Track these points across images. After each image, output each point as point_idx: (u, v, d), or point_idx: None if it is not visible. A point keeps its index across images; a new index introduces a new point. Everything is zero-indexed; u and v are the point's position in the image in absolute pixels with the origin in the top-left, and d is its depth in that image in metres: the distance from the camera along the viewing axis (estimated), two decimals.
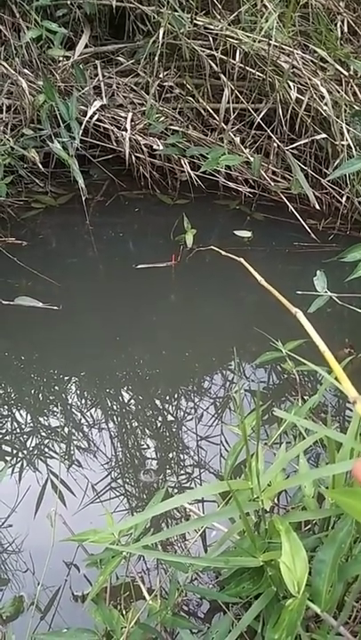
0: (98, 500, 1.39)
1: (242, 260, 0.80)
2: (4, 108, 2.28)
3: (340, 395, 1.64)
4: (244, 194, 2.33)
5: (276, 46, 2.06)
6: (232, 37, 2.07)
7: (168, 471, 1.45)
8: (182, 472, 1.46)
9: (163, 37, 2.13)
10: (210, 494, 0.87)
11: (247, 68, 2.17)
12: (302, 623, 0.66)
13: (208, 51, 2.17)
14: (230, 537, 0.83)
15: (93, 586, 1.00)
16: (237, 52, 2.10)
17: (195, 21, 2.15)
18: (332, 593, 0.65)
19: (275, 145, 2.26)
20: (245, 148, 2.27)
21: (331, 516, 0.88)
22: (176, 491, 1.41)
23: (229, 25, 2.15)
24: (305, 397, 1.52)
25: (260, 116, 2.18)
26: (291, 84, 2.05)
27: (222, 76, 2.18)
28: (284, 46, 2.10)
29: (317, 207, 2.20)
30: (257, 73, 2.16)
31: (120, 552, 0.95)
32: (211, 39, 2.14)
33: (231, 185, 2.31)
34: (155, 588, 1.04)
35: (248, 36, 2.07)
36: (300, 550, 0.64)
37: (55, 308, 1.80)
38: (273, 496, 0.85)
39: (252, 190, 2.33)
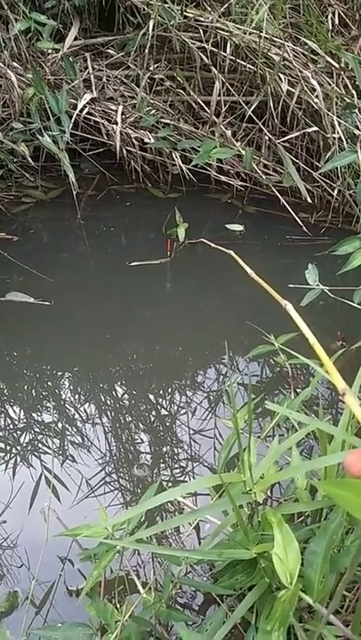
0: (92, 495, 1.39)
1: (232, 252, 0.80)
2: None
3: (332, 387, 1.65)
4: (236, 187, 2.32)
5: (267, 38, 2.05)
6: (223, 29, 2.06)
7: (162, 465, 1.46)
8: (176, 466, 1.47)
9: (153, 29, 2.11)
10: (203, 487, 0.88)
11: (238, 60, 2.16)
12: (295, 614, 0.66)
13: (199, 43, 2.16)
14: (223, 530, 0.83)
15: (88, 580, 1.00)
16: (228, 44, 2.09)
17: (185, 13, 2.14)
18: (324, 584, 0.65)
19: (266, 138, 2.25)
20: (237, 141, 2.27)
21: (323, 508, 0.89)
22: (170, 484, 1.41)
23: (220, 17, 2.14)
24: (297, 390, 1.53)
25: (252, 109, 2.18)
26: (282, 76, 2.04)
27: (213, 68, 2.17)
28: (274, 38, 2.09)
29: (309, 200, 2.20)
30: (248, 65, 2.15)
31: (114, 546, 0.95)
32: (201, 31, 2.13)
33: (223, 178, 2.30)
34: (149, 582, 1.05)
35: (239, 28, 2.06)
36: (292, 542, 0.64)
37: (47, 303, 1.80)
38: (266, 488, 0.86)
39: (244, 184, 2.32)
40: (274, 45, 2.13)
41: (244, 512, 0.81)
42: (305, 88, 2.04)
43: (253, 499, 0.77)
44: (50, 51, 2.24)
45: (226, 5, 2.13)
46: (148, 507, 0.73)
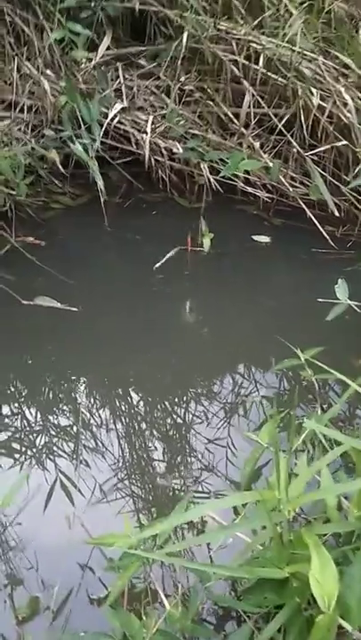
0: (113, 502, 1.39)
1: None
2: (26, 108, 2.29)
3: (357, 404, 1.64)
4: (263, 199, 2.32)
5: (299, 52, 2.05)
6: (255, 42, 2.07)
7: (186, 476, 1.45)
8: (191, 476, 1.46)
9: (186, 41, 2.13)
10: (238, 504, 0.87)
11: (269, 73, 2.17)
12: None
13: (230, 55, 2.17)
14: (254, 547, 0.83)
15: (111, 590, 1.00)
16: (261, 57, 2.10)
17: (218, 26, 2.15)
18: None
19: (294, 150, 2.25)
20: (264, 153, 2.27)
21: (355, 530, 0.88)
22: (191, 495, 1.40)
23: (252, 30, 2.15)
24: (323, 406, 1.52)
25: (282, 123, 2.18)
26: (313, 90, 2.04)
27: (244, 80, 2.18)
28: (306, 52, 2.10)
29: (336, 214, 2.19)
30: (279, 79, 2.15)
31: (140, 557, 0.95)
32: (234, 44, 2.14)
33: (249, 190, 2.30)
34: (172, 594, 1.04)
35: (272, 42, 2.07)
36: (329, 564, 0.63)
37: (74, 309, 1.81)
38: (296, 507, 0.85)
39: (270, 195, 2.32)
40: (305, 59, 2.14)
41: (276, 530, 0.80)
42: (337, 102, 2.04)
43: (287, 517, 0.77)
44: (83, 60, 2.27)
45: (259, 19, 2.14)
46: (181, 521, 0.73)
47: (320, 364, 1.25)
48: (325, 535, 1.06)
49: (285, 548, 0.81)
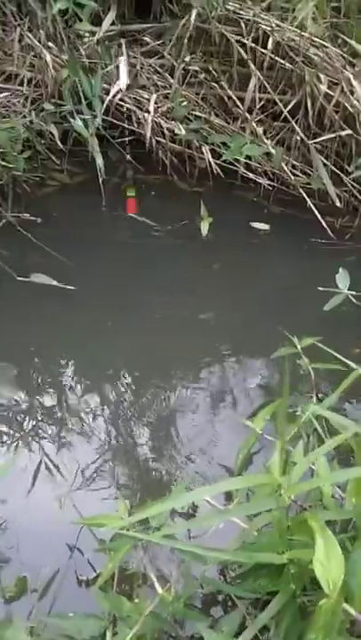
0: (103, 484, 1.38)
1: None
2: (25, 80, 2.23)
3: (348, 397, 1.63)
4: (263, 186, 2.29)
5: (308, 37, 2.02)
6: (265, 24, 2.03)
7: (177, 461, 1.44)
8: (183, 462, 1.45)
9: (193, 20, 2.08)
10: (236, 488, 0.86)
11: (276, 57, 2.13)
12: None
13: (238, 37, 2.13)
14: (252, 532, 0.82)
15: (102, 572, 0.99)
16: (270, 40, 2.06)
17: (226, 5, 2.11)
18: None
19: (297, 138, 2.22)
20: (267, 139, 2.24)
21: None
22: (177, 477, 1.39)
23: (261, 11, 2.11)
24: (318, 395, 1.51)
25: (287, 109, 2.15)
26: (321, 76, 2.01)
27: (251, 64, 2.14)
28: (315, 38, 2.06)
29: (338, 204, 2.17)
30: (286, 63, 2.12)
31: (132, 539, 0.93)
32: (243, 25, 2.09)
33: (251, 176, 2.27)
34: (164, 578, 1.03)
35: (281, 26, 2.03)
36: (334, 549, 0.62)
37: (70, 287, 1.77)
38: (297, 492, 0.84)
39: (271, 183, 2.29)
40: (313, 45, 2.11)
41: (276, 515, 0.79)
42: (345, 89, 2.01)
43: (287, 503, 0.76)
44: (86, 34, 2.21)
45: (268, 0, 2.10)
46: (177, 504, 0.72)
47: (326, 347, 1.23)
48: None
49: (281, 533, 0.80)
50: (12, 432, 1.51)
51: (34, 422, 1.54)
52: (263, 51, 2.12)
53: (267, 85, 2.19)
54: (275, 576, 0.80)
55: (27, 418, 1.56)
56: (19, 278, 1.79)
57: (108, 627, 0.95)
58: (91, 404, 1.60)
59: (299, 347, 1.49)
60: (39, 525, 1.29)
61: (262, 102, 2.23)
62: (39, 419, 1.54)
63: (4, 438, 1.49)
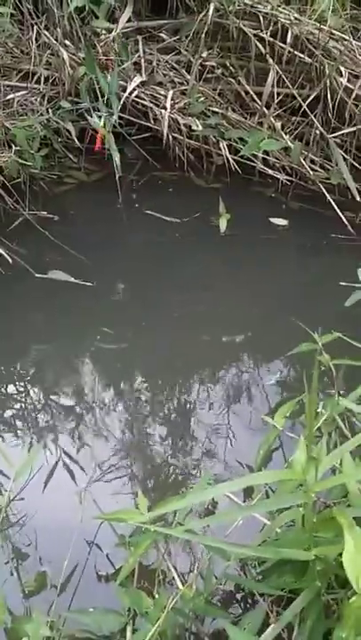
0: (122, 481, 1.37)
1: None
2: (42, 79, 2.24)
3: None
4: (281, 181, 2.27)
5: (328, 30, 1.99)
6: (284, 18, 2.00)
7: (198, 458, 1.43)
8: (204, 458, 1.44)
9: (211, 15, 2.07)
10: (261, 483, 0.85)
11: (295, 52, 2.11)
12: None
13: (256, 31, 2.11)
14: (276, 528, 0.80)
15: (122, 567, 0.98)
16: (289, 33, 2.03)
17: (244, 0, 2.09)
18: None
19: (316, 132, 2.19)
20: (285, 134, 2.22)
21: None
22: (194, 474, 1.38)
23: (278, 5, 2.09)
24: (340, 392, 1.49)
25: (306, 103, 2.12)
26: (342, 69, 1.98)
27: (270, 58, 2.12)
28: (334, 31, 2.03)
29: (358, 198, 2.14)
30: (306, 57, 2.09)
31: (153, 535, 0.92)
32: (261, 19, 2.07)
33: (269, 171, 2.25)
34: (184, 574, 1.02)
35: (299, 19, 2.01)
36: None
37: (89, 284, 1.77)
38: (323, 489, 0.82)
39: (289, 178, 2.27)
40: (332, 39, 2.08)
41: (300, 512, 0.78)
42: None
43: (313, 499, 0.74)
44: (102, 31, 2.21)
45: None
46: (199, 499, 0.71)
47: (351, 340, 1.21)
48: None
49: (307, 530, 0.78)
50: (31, 429, 1.51)
51: (52, 419, 1.54)
52: (282, 45, 2.10)
53: (285, 79, 2.17)
54: (299, 573, 0.79)
55: (45, 414, 1.56)
56: (37, 275, 1.79)
57: (129, 622, 0.94)
58: (108, 400, 1.60)
59: (320, 343, 1.47)
60: (58, 521, 1.28)
61: (280, 97, 2.21)
62: (57, 415, 1.54)
63: (23, 435, 1.49)
